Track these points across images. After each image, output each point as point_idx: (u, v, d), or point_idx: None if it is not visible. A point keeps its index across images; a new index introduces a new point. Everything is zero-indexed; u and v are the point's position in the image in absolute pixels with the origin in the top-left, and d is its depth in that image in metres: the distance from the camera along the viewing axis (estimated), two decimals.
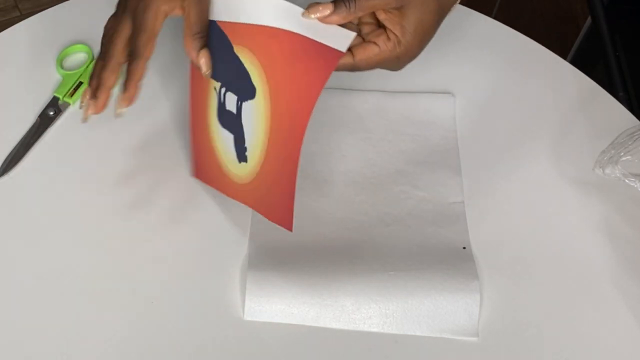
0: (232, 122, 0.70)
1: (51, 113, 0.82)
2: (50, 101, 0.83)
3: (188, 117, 0.75)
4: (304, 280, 0.70)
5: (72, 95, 0.83)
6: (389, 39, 0.65)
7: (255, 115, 0.68)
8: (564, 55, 0.93)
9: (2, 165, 0.78)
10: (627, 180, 0.75)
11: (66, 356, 0.67)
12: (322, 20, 0.62)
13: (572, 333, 0.71)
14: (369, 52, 0.65)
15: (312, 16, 0.62)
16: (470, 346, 0.69)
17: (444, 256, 0.73)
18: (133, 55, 0.67)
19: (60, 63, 0.86)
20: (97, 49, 0.86)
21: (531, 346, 0.70)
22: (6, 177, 0.77)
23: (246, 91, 0.68)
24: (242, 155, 0.71)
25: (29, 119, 0.81)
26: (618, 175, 0.76)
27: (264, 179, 0.70)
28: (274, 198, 0.71)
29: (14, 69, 0.86)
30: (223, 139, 0.72)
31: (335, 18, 0.63)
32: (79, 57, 0.87)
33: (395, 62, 0.67)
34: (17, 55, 0.87)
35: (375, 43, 0.65)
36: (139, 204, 0.76)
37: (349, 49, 0.65)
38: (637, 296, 0.73)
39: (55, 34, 0.88)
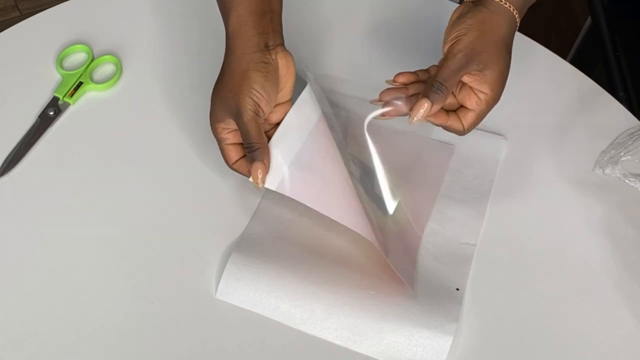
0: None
1: (51, 113, 0.82)
2: (50, 101, 0.83)
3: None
4: (283, 277, 0.70)
5: (72, 95, 0.83)
6: (479, 98, 0.71)
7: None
8: (564, 55, 0.93)
9: (2, 165, 0.78)
10: (627, 180, 0.75)
11: (67, 355, 0.67)
12: (427, 117, 0.70)
13: (572, 333, 0.71)
14: (471, 118, 0.72)
15: (416, 119, 0.69)
16: None
17: (434, 292, 0.71)
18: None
19: (60, 63, 0.85)
20: (97, 49, 0.87)
21: (531, 346, 0.70)
22: (6, 177, 0.77)
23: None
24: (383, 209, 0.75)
25: (29, 119, 0.81)
26: (618, 175, 0.76)
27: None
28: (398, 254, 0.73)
29: (14, 69, 0.86)
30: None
31: (435, 108, 0.69)
32: (79, 57, 0.87)
33: (491, 108, 0.73)
34: (17, 55, 0.87)
35: (470, 109, 0.72)
36: (139, 204, 0.76)
37: (457, 115, 0.72)
38: (637, 296, 0.73)
39: (55, 34, 0.88)
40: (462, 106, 0.73)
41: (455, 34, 0.70)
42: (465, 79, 0.71)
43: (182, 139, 0.81)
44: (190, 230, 0.75)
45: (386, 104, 0.71)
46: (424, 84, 0.72)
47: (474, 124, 0.73)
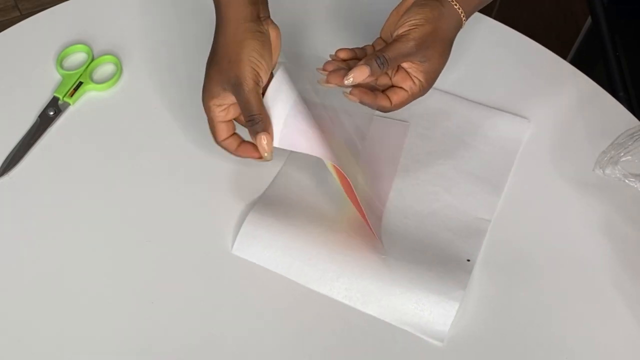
0: None
1: (51, 113, 0.82)
2: (50, 101, 0.83)
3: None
4: (297, 237, 0.73)
5: (72, 95, 0.83)
6: (414, 83, 0.75)
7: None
8: (564, 55, 0.93)
9: (2, 165, 0.78)
10: (627, 181, 0.75)
11: (67, 354, 0.67)
12: (362, 81, 0.72)
13: (572, 333, 0.71)
14: (401, 96, 0.75)
15: (352, 79, 0.71)
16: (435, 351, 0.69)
17: (445, 261, 0.73)
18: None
19: (60, 63, 0.86)
20: (97, 49, 0.87)
21: (531, 346, 0.70)
22: (6, 177, 0.77)
23: None
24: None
25: (29, 119, 0.81)
26: (618, 175, 0.76)
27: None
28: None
29: (14, 69, 0.86)
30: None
31: (370, 78, 0.72)
32: (79, 57, 0.87)
33: (419, 97, 0.77)
34: (17, 55, 0.87)
35: (403, 88, 0.75)
36: (139, 203, 0.76)
37: (386, 94, 0.75)
38: (637, 296, 0.73)
39: (55, 34, 0.88)
40: (393, 86, 0.76)
41: (413, 22, 0.73)
42: (405, 64, 0.74)
43: (182, 138, 0.81)
44: (205, 202, 0.77)
45: (330, 73, 0.73)
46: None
47: (403, 104, 0.76)
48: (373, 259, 0.72)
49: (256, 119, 0.70)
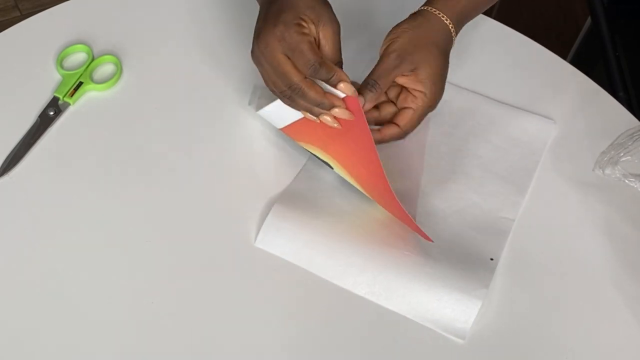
0: None
1: (51, 113, 0.82)
2: (50, 101, 0.83)
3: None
4: (321, 231, 0.73)
5: (72, 95, 0.83)
6: (415, 97, 0.75)
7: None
8: (564, 55, 0.93)
9: (2, 165, 0.78)
10: (627, 181, 0.75)
11: (66, 352, 0.67)
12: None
13: (572, 333, 0.71)
14: (408, 116, 0.76)
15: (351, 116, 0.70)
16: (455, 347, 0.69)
17: (468, 259, 0.73)
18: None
19: (60, 63, 0.86)
20: (97, 49, 0.87)
21: (531, 346, 0.70)
22: (6, 177, 0.77)
23: None
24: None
25: (29, 119, 0.81)
26: (618, 175, 0.76)
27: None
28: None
29: (14, 69, 0.86)
30: None
31: (368, 105, 0.73)
32: (79, 57, 0.87)
33: (430, 109, 0.77)
34: (17, 55, 0.87)
35: (407, 107, 0.76)
36: (139, 203, 0.76)
37: (393, 122, 0.77)
38: (637, 296, 0.73)
39: (55, 34, 0.88)
40: (400, 110, 0.77)
41: (390, 37, 0.75)
42: (401, 80, 0.75)
43: (183, 138, 0.81)
44: (206, 202, 0.77)
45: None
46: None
47: (414, 122, 0.77)
48: (397, 256, 0.72)
49: (328, 67, 0.68)
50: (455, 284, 0.71)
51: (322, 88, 0.69)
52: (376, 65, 0.74)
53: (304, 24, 0.68)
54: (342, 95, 0.69)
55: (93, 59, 0.86)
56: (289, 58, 0.68)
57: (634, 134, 0.78)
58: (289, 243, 0.73)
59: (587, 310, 0.72)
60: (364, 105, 0.72)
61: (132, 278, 0.71)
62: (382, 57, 0.74)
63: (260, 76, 0.71)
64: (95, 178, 0.78)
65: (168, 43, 0.89)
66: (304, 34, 0.68)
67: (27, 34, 0.89)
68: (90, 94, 0.84)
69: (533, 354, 0.69)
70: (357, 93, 0.70)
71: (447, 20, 0.75)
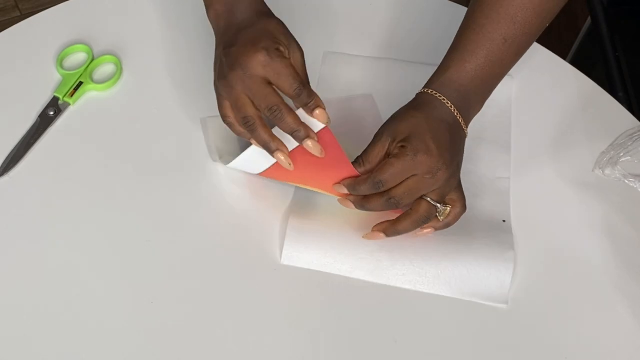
0: None
1: (51, 113, 0.82)
2: (50, 101, 0.83)
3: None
4: (343, 233, 0.73)
5: (72, 95, 0.83)
6: (397, 152, 0.69)
7: None
8: (564, 55, 0.93)
9: (2, 165, 0.78)
10: (627, 181, 0.75)
11: (66, 353, 0.67)
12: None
13: (571, 333, 0.71)
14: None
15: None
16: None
17: (484, 226, 0.75)
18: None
19: (60, 63, 0.85)
20: (97, 49, 0.87)
21: (531, 346, 0.70)
22: (6, 177, 0.77)
23: None
24: None
25: (29, 119, 0.81)
26: (618, 176, 0.76)
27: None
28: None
29: (14, 69, 0.86)
30: None
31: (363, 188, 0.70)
32: (79, 57, 0.87)
33: (446, 182, 0.69)
34: (17, 55, 0.87)
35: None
36: (139, 203, 0.76)
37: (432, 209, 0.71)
38: (637, 296, 0.73)
39: (55, 34, 0.88)
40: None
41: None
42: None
43: (183, 138, 0.81)
44: (206, 202, 0.77)
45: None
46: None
47: (395, 176, 0.68)
48: (421, 240, 0.73)
49: (308, 91, 0.68)
50: (481, 253, 0.72)
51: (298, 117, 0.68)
52: (371, 156, 0.70)
53: (282, 49, 0.68)
54: (318, 127, 0.69)
55: (93, 59, 0.86)
56: (269, 83, 0.68)
57: (634, 134, 0.78)
58: (315, 253, 0.73)
59: (587, 310, 0.72)
60: (382, 236, 0.71)
61: (132, 278, 0.71)
62: (371, 144, 0.71)
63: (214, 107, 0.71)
64: (95, 178, 0.78)
65: (168, 43, 0.89)
66: (286, 58, 0.68)
67: (27, 34, 0.89)
68: (90, 94, 0.84)
69: (533, 354, 0.69)
70: (330, 121, 0.69)
71: (442, 98, 0.71)
